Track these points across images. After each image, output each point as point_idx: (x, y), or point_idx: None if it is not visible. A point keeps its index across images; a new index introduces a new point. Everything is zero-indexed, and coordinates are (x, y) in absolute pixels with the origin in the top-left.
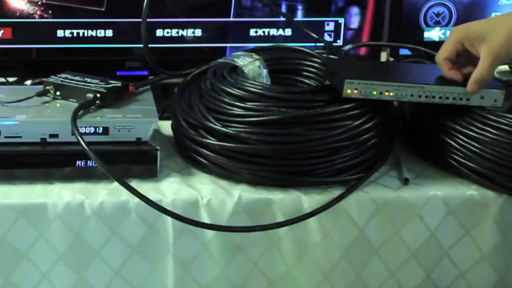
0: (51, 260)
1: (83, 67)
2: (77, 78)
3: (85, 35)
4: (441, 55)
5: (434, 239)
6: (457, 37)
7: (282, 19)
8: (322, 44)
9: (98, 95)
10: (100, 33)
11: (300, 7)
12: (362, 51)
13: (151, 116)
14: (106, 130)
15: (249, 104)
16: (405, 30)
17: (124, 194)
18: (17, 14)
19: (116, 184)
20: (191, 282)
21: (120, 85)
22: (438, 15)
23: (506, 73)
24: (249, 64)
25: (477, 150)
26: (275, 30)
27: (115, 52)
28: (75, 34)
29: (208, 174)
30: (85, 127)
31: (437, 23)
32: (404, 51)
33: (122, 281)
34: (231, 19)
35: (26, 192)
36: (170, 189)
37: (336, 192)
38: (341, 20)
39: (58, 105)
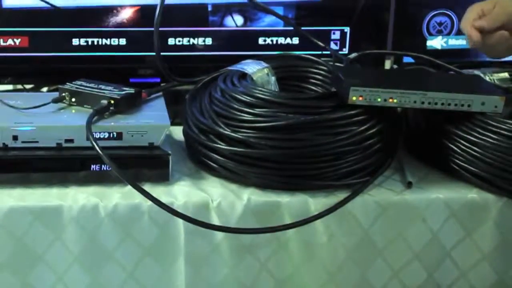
0: (66, 262)
1: (98, 74)
2: (92, 85)
3: (99, 43)
4: (467, 17)
5: (436, 240)
6: (477, 6)
7: (289, 28)
8: (328, 52)
9: (112, 101)
10: (114, 41)
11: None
12: None
13: (163, 122)
14: (119, 135)
15: (257, 110)
16: (408, 38)
17: (137, 197)
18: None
19: (129, 187)
20: (202, 283)
21: (133, 91)
22: (440, 24)
23: (506, 80)
24: (258, 71)
25: (478, 155)
26: (283, 38)
27: (128, 60)
28: (89, 43)
29: (218, 178)
30: (100, 132)
31: (439, 32)
32: (407, 59)
33: (135, 282)
34: (241, 28)
35: (43, 195)
36: (181, 192)
37: (341, 195)
38: (347, 29)
39: (73, 111)
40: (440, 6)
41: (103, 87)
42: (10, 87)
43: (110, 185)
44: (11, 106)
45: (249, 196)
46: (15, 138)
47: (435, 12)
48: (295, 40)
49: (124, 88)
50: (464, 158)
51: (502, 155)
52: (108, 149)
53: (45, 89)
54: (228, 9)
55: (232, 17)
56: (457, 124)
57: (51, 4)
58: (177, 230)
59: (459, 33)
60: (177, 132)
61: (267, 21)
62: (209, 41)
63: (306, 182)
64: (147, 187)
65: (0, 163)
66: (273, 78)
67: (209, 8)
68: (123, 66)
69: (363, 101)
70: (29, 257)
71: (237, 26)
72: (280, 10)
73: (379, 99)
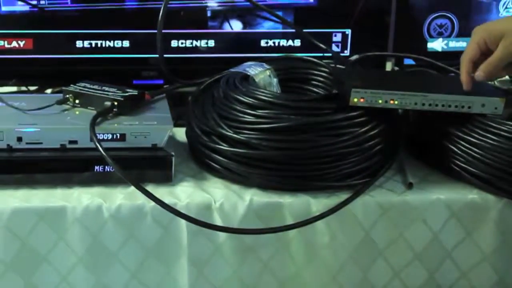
0: (70, 262)
1: (101, 76)
2: (95, 86)
3: (103, 45)
4: (465, 56)
5: (437, 241)
6: (479, 37)
7: (291, 30)
8: (330, 54)
9: (116, 103)
10: (117, 43)
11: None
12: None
13: (166, 123)
14: (123, 137)
15: (260, 112)
16: (409, 41)
17: (140, 198)
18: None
19: (132, 188)
20: (205, 283)
21: (136, 93)
22: (441, 26)
23: (506, 82)
24: (260, 73)
25: (478, 156)
26: (284, 41)
27: (132, 62)
28: (93, 45)
29: (220, 179)
30: (103, 134)
31: (440, 34)
32: (408, 61)
33: (138, 282)
34: (243, 30)
35: (47, 196)
36: (184, 193)
37: (343, 196)
38: (348, 31)
39: (77, 112)
40: (441, 8)
41: (106, 89)
42: (14, 88)
43: (113, 186)
44: (16, 108)
45: (251, 197)
46: (19, 139)
47: (436, 15)
48: (297, 42)
49: (128, 90)
50: (464, 159)
51: (502, 156)
52: (112, 150)
53: (49, 90)
54: (231, 12)
55: (234, 20)
56: (457, 126)
57: (30, 3)
58: (180, 231)
59: (460, 35)
60: (180, 133)
61: (268, 25)
62: (211, 43)
63: (308, 183)
64: (150, 188)
65: (5, 164)
66: (275, 80)
67: (212, 11)
68: (127, 68)
69: (364, 103)
70: (33, 258)
71: (239, 28)
72: (280, 13)
73: (380, 101)
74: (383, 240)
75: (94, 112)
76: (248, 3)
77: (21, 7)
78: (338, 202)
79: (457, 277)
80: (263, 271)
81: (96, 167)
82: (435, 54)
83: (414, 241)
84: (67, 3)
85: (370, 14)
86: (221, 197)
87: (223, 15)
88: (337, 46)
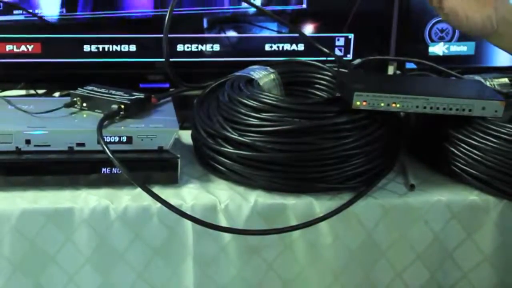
0: (77, 263)
1: (108, 80)
2: (103, 90)
3: (110, 49)
4: None
5: (438, 241)
6: None
7: (295, 35)
8: (333, 58)
9: (122, 106)
10: (124, 48)
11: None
12: None
13: (172, 126)
14: (129, 139)
15: (264, 115)
16: (411, 45)
17: (147, 200)
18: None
19: (139, 190)
20: (210, 283)
21: (143, 96)
22: (442, 31)
23: (506, 86)
24: (264, 77)
25: (479, 158)
26: (288, 45)
27: (138, 66)
28: (100, 49)
29: (225, 181)
30: (110, 136)
31: (441, 39)
32: (410, 65)
33: (144, 282)
34: (247, 35)
35: (55, 197)
36: (190, 194)
37: (346, 197)
38: (351, 36)
39: (84, 115)
40: None
41: (113, 92)
42: (23, 92)
43: (120, 188)
44: (24, 111)
45: (256, 198)
46: (28, 142)
47: (437, 19)
48: (301, 47)
49: (134, 93)
50: (465, 161)
51: (502, 158)
52: (119, 153)
53: (57, 94)
54: (235, 18)
55: (238, 25)
56: (458, 128)
57: (28, 11)
58: (186, 232)
59: (460, 39)
60: (186, 136)
61: (272, 30)
62: (217, 47)
63: (311, 184)
64: (156, 189)
65: (13, 166)
66: (279, 83)
67: (217, 16)
68: (133, 71)
69: (367, 106)
70: (41, 258)
71: (242, 33)
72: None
73: (382, 104)
74: (385, 240)
75: (101, 115)
76: (254, 9)
77: (19, 15)
78: (341, 203)
79: (458, 277)
80: (267, 271)
81: (103, 169)
82: (436, 58)
83: (415, 242)
84: (62, 12)
85: (373, 19)
86: (226, 199)
87: (227, 20)
88: (340, 50)
